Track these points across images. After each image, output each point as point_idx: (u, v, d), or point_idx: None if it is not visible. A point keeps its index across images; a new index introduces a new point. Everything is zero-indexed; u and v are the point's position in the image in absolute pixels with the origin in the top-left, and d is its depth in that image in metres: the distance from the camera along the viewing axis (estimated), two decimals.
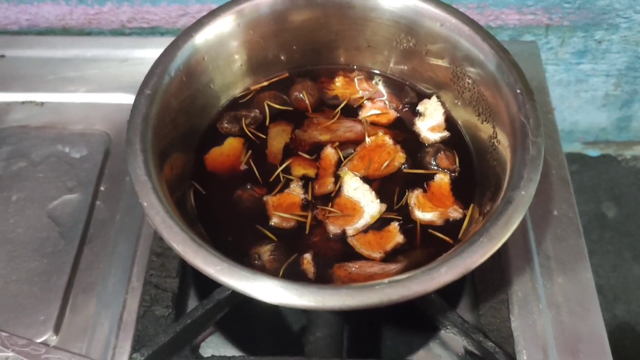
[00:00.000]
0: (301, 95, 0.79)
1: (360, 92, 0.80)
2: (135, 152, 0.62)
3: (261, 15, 0.75)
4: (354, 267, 0.66)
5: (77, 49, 1.01)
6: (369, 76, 0.82)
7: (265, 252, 0.67)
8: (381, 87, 0.81)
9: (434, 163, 0.74)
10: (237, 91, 0.80)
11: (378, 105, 0.79)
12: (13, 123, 0.95)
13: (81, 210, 0.86)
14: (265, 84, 0.81)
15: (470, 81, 0.72)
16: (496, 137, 0.69)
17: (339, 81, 0.81)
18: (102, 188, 0.88)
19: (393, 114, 0.79)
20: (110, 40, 1.03)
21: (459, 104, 0.76)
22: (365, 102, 0.79)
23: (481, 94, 0.71)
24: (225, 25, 0.73)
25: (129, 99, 0.96)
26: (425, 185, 0.73)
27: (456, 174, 0.73)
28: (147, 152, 0.62)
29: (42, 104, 0.97)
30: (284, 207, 0.71)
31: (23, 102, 0.97)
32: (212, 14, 0.73)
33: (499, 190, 0.64)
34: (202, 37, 0.72)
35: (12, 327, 0.73)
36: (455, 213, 0.70)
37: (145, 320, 0.73)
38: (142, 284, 0.77)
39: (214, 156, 0.75)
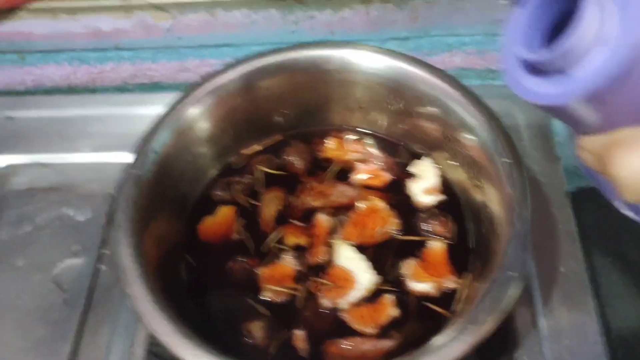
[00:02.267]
0: (293, 158, 0.79)
1: (353, 154, 0.79)
2: (121, 238, 0.62)
3: (241, 85, 0.75)
4: (346, 344, 0.65)
5: (82, 108, 1.02)
6: (361, 137, 0.81)
7: (258, 328, 0.67)
8: (374, 149, 0.80)
9: (428, 229, 0.72)
10: (230, 157, 0.80)
11: (371, 167, 0.78)
12: (19, 186, 0.97)
13: (86, 275, 0.87)
14: (259, 148, 0.81)
15: (461, 145, 0.71)
16: (489, 204, 0.67)
17: (330, 142, 0.80)
18: (106, 252, 0.89)
19: (387, 176, 0.78)
20: (113, 97, 1.04)
21: (455, 165, 0.75)
22: (357, 164, 0.79)
23: (472, 159, 0.70)
24: (210, 97, 0.73)
25: (131, 157, 0.99)
26: (419, 254, 0.71)
27: (451, 241, 0.72)
28: (135, 235, 0.63)
29: (47, 165, 0.99)
30: (276, 279, 0.70)
31: (29, 164, 0.99)
32: (193, 88, 0.73)
33: (490, 263, 0.62)
34: (188, 110, 0.72)
35: None
36: (450, 283, 0.68)
37: None
38: (144, 351, 0.78)
39: (207, 226, 0.75)
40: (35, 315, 0.84)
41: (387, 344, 0.65)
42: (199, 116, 0.73)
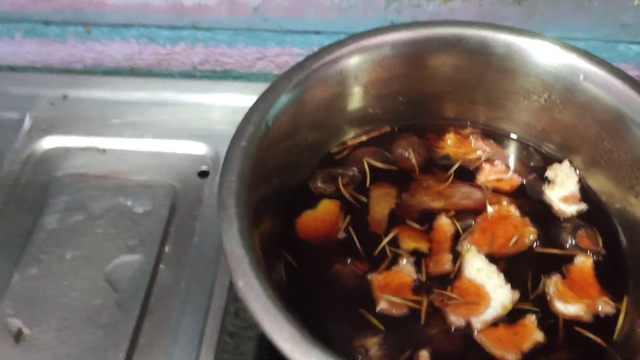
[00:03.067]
0: (406, 153, 0.68)
1: (477, 152, 0.69)
2: (230, 218, 0.51)
3: (373, 60, 0.65)
4: None
5: (144, 92, 0.92)
6: (485, 134, 0.71)
7: (373, 345, 0.55)
8: (502, 148, 0.69)
9: (573, 242, 0.61)
10: (331, 146, 0.70)
11: (499, 168, 0.67)
12: (72, 170, 0.85)
13: (143, 274, 0.75)
14: (364, 138, 0.70)
15: (620, 146, 0.60)
16: None
17: (450, 138, 0.70)
18: (166, 249, 0.77)
19: (517, 180, 0.67)
20: (179, 83, 0.94)
21: (599, 171, 0.64)
22: (483, 164, 0.68)
23: (638, 163, 0.59)
24: (330, 71, 0.63)
25: (197, 147, 0.88)
26: (563, 270, 0.60)
27: (600, 257, 0.60)
28: (244, 218, 0.51)
29: (104, 150, 0.88)
30: (392, 289, 0.59)
31: (84, 148, 0.88)
32: (317, 56, 0.63)
33: None
34: (304, 83, 0.62)
35: None
36: (606, 307, 0.57)
37: None
38: None
39: (307, 221, 0.64)
40: (84, 316, 0.71)
41: None
42: (313, 92, 0.63)
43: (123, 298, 0.73)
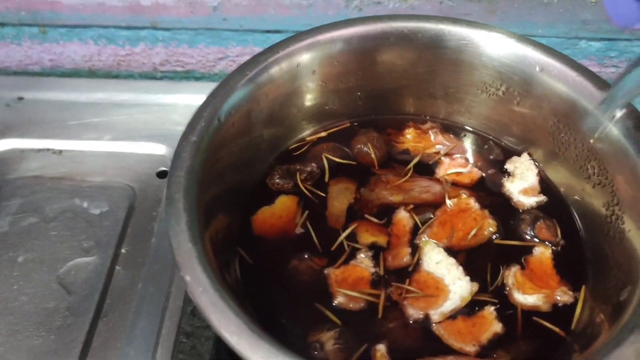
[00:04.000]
0: (366, 148, 0.67)
1: (437, 146, 0.68)
2: (178, 212, 0.49)
3: (329, 55, 0.64)
4: None
5: (103, 93, 0.90)
6: (444, 128, 0.70)
7: (329, 339, 0.54)
8: (461, 142, 0.69)
9: (532, 233, 0.61)
10: (290, 142, 0.68)
11: (458, 162, 0.67)
12: (26, 173, 0.83)
13: (98, 276, 0.72)
14: (323, 134, 0.69)
15: (577, 137, 0.60)
16: (617, 205, 0.56)
17: (409, 133, 0.69)
18: (123, 250, 0.75)
19: (477, 173, 0.66)
20: (140, 84, 0.92)
21: (558, 163, 0.64)
22: (442, 158, 0.67)
23: (593, 152, 0.59)
24: (285, 65, 0.62)
25: (157, 149, 0.86)
26: (522, 261, 0.59)
27: (559, 247, 0.60)
28: (192, 211, 0.50)
29: (60, 152, 0.85)
30: (349, 283, 0.57)
31: (39, 150, 0.85)
32: (271, 51, 0.62)
33: (630, 279, 0.51)
34: (258, 77, 0.61)
35: None
36: (565, 296, 0.56)
37: None
38: None
39: (264, 217, 0.63)
40: (34, 321, 0.68)
41: None
42: (267, 87, 0.62)
43: (76, 301, 0.70)
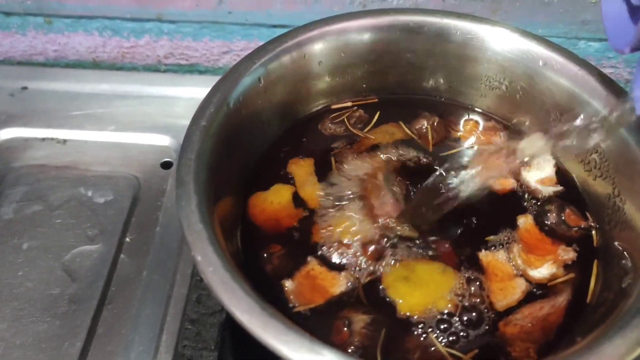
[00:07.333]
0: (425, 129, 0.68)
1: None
2: (189, 194, 0.50)
3: (336, 46, 0.65)
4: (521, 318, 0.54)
5: (107, 84, 0.91)
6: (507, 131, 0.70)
7: (359, 321, 0.54)
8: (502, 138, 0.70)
9: (561, 222, 0.61)
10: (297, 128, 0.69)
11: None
12: (31, 161, 0.83)
13: (102, 264, 0.73)
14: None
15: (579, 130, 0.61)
16: (618, 197, 0.57)
17: (468, 125, 0.70)
18: (127, 239, 0.76)
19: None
20: (144, 76, 0.93)
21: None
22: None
23: (595, 146, 0.60)
24: (294, 54, 0.63)
25: (160, 139, 0.86)
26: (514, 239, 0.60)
27: (593, 231, 0.61)
28: (202, 194, 0.51)
29: (64, 141, 0.86)
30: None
31: (43, 139, 0.86)
32: (280, 40, 0.63)
33: (633, 268, 0.52)
34: (267, 65, 0.62)
35: None
36: (567, 253, 0.58)
37: None
38: (172, 357, 0.64)
39: (256, 202, 0.63)
40: (39, 306, 0.69)
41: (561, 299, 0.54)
42: (275, 77, 0.62)
43: (81, 287, 0.71)
